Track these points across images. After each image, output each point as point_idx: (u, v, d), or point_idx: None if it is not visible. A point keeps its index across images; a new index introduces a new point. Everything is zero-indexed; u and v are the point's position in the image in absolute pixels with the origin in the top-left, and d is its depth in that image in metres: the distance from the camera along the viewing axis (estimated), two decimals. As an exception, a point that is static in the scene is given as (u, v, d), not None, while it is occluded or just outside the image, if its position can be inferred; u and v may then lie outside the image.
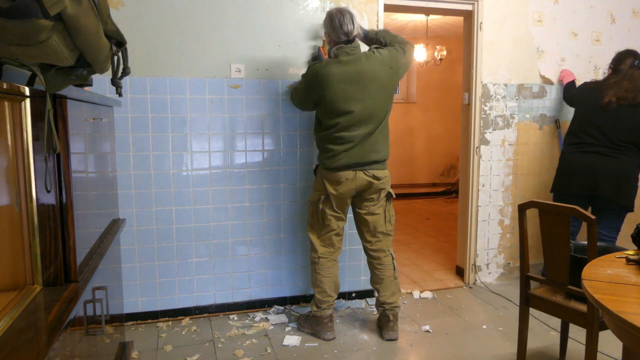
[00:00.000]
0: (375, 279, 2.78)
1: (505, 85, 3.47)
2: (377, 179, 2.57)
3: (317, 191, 2.64)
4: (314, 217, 2.69)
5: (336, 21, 2.45)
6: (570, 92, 3.37)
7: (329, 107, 2.47)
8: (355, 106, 2.46)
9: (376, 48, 2.56)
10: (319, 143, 2.63)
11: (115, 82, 1.52)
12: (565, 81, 3.48)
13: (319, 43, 2.97)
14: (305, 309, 3.05)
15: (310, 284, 3.15)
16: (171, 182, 2.85)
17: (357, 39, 2.53)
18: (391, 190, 2.68)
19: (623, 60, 3.02)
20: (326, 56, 2.78)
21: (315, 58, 2.89)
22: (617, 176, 2.92)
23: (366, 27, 3.01)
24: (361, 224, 2.72)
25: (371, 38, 2.70)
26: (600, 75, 3.58)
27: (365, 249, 2.78)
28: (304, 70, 2.97)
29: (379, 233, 2.69)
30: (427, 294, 3.37)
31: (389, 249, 2.75)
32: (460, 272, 3.70)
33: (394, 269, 2.76)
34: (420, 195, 7.30)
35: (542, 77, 3.54)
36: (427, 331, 2.81)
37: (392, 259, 2.76)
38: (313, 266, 2.73)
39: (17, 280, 1.26)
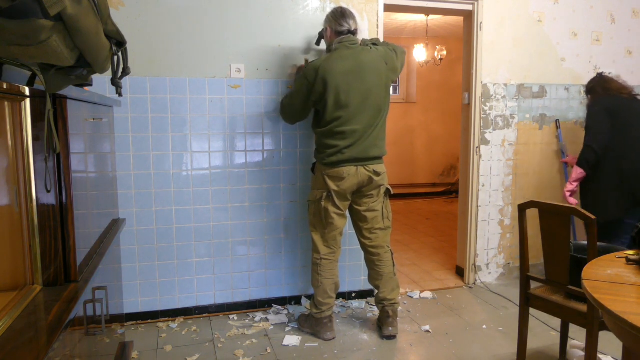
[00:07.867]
0: (374, 275, 2.78)
1: (505, 85, 3.47)
2: (377, 174, 2.59)
3: (318, 189, 2.64)
4: (316, 217, 2.68)
5: (338, 12, 2.60)
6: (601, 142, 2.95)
7: (332, 100, 2.49)
8: (356, 97, 2.50)
9: (373, 44, 2.66)
10: (319, 139, 2.63)
11: (115, 82, 1.52)
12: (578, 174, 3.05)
13: (319, 44, 2.97)
14: (302, 308, 3.05)
15: (309, 283, 3.15)
16: (171, 182, 2.85)
17: (356, 35, 2.63)
18: (389, 187, 2.70)
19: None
20: None
21: (300, 70, 2.92)
22: None
23: (366, 27, 3.05)
24: (359, 220, 2.72)
25: (365, 41, 2.77)
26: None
27: (363, 246, 2.77)
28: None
29: (377, 229, 2.70)
30: (427, 294, 3.37)
31: (388, 245, 2.75)
32: (460, 272, 3.70)
33: (393, 265, 2.76)
34: (420, 195, 7.29)
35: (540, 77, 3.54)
36: (427, 331, 2.81)
37: (392, 254, 2.76)
38: (314, 267, 2.73)
39: (17, 280, 1.26)
